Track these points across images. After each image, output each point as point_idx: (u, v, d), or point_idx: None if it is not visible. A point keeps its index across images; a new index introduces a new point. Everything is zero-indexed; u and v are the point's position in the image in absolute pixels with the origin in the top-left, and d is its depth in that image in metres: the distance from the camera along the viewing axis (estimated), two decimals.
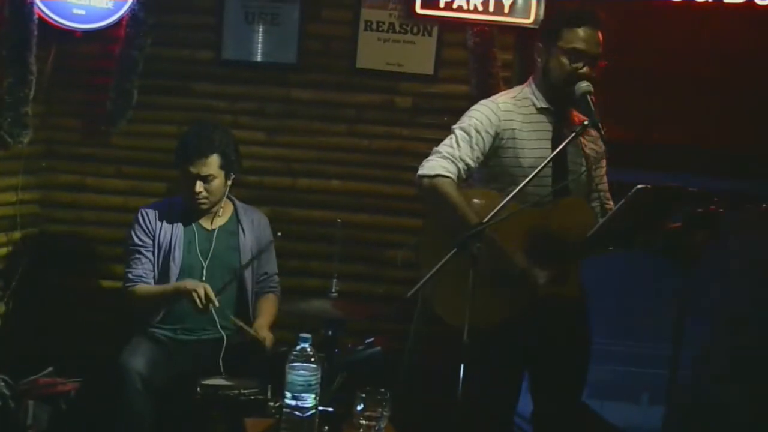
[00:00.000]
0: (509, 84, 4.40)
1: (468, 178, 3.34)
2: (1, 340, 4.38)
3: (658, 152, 4.38)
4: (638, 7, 4.44)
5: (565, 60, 3.27)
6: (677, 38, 4.50)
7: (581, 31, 3.27)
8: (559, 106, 3.35)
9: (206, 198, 3.90)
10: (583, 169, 3.31)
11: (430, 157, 3.32)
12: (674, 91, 4.50)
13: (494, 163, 3.33)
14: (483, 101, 3.41)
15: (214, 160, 3.88)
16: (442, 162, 3.27)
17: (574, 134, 3.11)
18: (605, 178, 3.49)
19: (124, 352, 3.73)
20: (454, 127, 3.37)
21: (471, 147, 3.29)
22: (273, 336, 3.89)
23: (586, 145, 3.32)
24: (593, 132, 3.31)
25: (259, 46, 4.60)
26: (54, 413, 4.02)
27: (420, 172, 3.30)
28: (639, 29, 4.47)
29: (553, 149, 3.18)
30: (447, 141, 3.34)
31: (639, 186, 2.96)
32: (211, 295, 3.70)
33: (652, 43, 4.51)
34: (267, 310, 4.05)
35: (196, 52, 4.62)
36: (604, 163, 3.49)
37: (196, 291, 3.69)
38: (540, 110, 3.35)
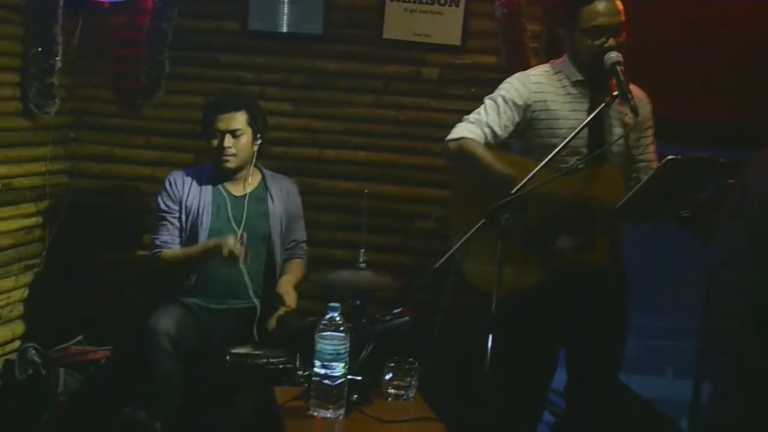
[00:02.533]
0: (538, 55, 4.38)
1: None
2: (31, 309, 4.42)
3: (703, 128, 4.30)
4: None
5: (588, 40, 3.27)
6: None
7: (599, 6, 3.26)
8: (593, 79, 3.33)
9: (234, 155, 3.92)
10: (616, 139, 3.28)
11: (458, 124, 3.38)
12: (716, 66, 4.40)
13: (530, 135, 3.35)
14: (516, 74, 3.44)
15: (242, 115, 3.94)
16: (468, 126, 3.35)
17: (603, 105, 3.10)
18: (651, 148, 3.45)
19: (153, 315, 3.77)
20: (485, 97, 3.41)
21: (498, 115, 3.33)
22: (295, 295, 3.92)
23: (626, 115, 3.28)
24: (639, 100, 3.30)
25: (285, 17, 4.57)
26: (84, 381, 4.06)
27: (447, 137, 3.37)
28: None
29: (590, 121, 3.18)
30: (478, 109, 3.39)
31: (669, 157, 2.95)
32: (234, 246, 3.72)
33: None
34: (293, 270, 4.07)
35: (222, 23, 4.60)
36: (649, 133, 3.46)
37: (222, 247, 3.72)
38: (575, 83, 3.35)
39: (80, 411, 3.98)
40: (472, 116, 3.37)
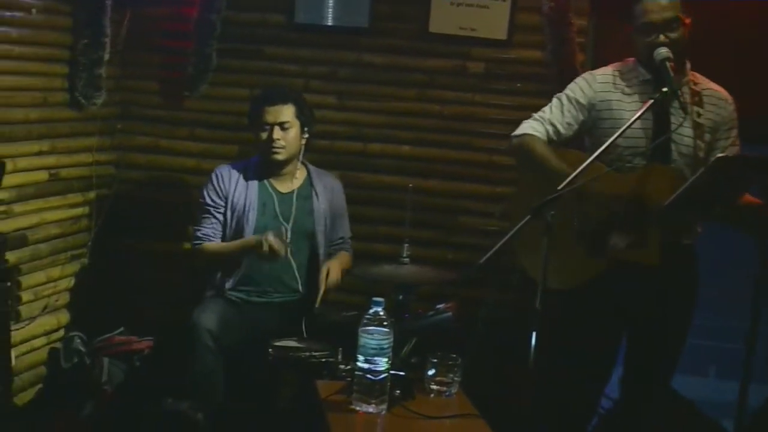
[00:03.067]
0: (584, 50, 4.35)
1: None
2: (77, 299, 4.47)
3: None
4: None
5: (639, 37, 3.29)
6: None
7: (647, 3, 3.26)
8: (660, 78, 3.29)
9: (283, 147, 3.93)
10: (683, 138, 3.24)
11: (523, 122, 3.44)
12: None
13: (597, 133, 3.35)
14: (584, 74, 3.49)
15: (290, 107, 3.94)
16: (531, 123, 3.41)
17: (651, 101, 3.08)
18: (732, 150, 3.34)
19: (195, 310, 3.78)
20: (554, 96, 3.46)
21: (562, 113, 3.38)
22: (340, 275, 3.93)
23: (701, 115, 3.25)
24: (718, 99, 3.31)
25: (331, 9, 4.57)
26: (128, 370, 4.10)
27: (512, 134, 3.43)
28: None
29: (656, 119, 3.20)
30: (543, 108, 3.45)
31: (719, 155, 2.92)
32: (274, 242, 3.73)
33: None
34: (340, 256, 4.08)
35: (268, 15, 4.61)
36: (731, 134, 3.37)
37: (262, 243, 3.73)
38: (642, 82, 3.34)
39: (123, 400, 4.02)
40: (537, 113, 3.43)
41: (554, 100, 3.43)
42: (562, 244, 2.82)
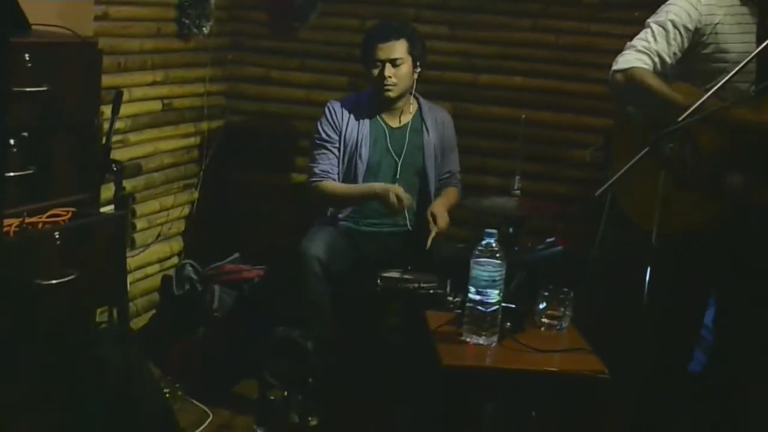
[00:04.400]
0: None
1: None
2: (189, 227, 4.58)
3: None
4: None
5: None
6: None
7: None
8: None
9: (395, 84, 3.92)
10: None
11: (623, 53, 3.17)
12: None
13: (694, 59, 3.14)
14: None
15: (402, 43, 3.92)
16: (637, 55, 3.13)
17: None
18: None
19: (304, 239, 3.83)
20: (649, 21, 3.19)
21: (668, 42, 3.11)
22: (447, 218, 3.93)
23: None
24: None
25: None
26: (238, 298, 4.18)
27: (614, 67, 3.16)
28: None
29: (758, 43, 2.99)
30: (642, 35, 3.17)
31: None
32: (404, 196, 3.76)
33: None
34: (446, 195, 4.08)
35: None
36: None
37: (390, 194, 3.76)
38: (744, 1, 3.14)
39: (234, 327, 4.10)
40: (638, 43, 3.16)
41: (656, 28, 3.14)
42: (670, 185, 2.73)
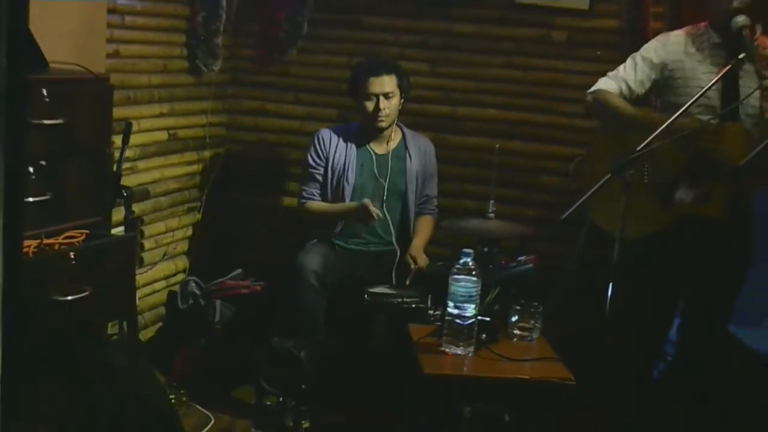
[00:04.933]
0: (660, 19, 4.24)
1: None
2: (192, 247, 4.57)
3: None
4: None
5: (715, 2, 3.16)
6: None
7: None
8: (731, 42, 3.20)
9: (387, 115, 3.94)
10: (750, 100, 3.15)
11: (599, 80, 3.39)
12: None
13: (667, 93, 3.29)
14: (658, 36, 3.43)
15: (392, 78, 3.94)
16: (606, 80, 3.36)
17: (728, 67, 3.01)
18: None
19: (301, 253, 3.85)
20: (629, 57, 3.40)
21: (635, 71, 3.31)
22: (425, 257, 3.95)
23: (767, 78, 3.16)
24: None
25: None
26: (237, 311, 4.17)
27: (587, 92, 3.40)
28: None
29: (725, 80, 3.08)
30: (617, 68, 3.38)
31: None
32: (373, 210, 3.77)
33: None
34: (423, 229, 4.10)
35: None
36: None
37: (366, 210, 3.78)
38: (713, 45, 3.23)
39: (233, 338, 4.10)
40: (610, 73, 3.38)
41: (628, 60, 3.37)
42: (633, 197, 2.78)
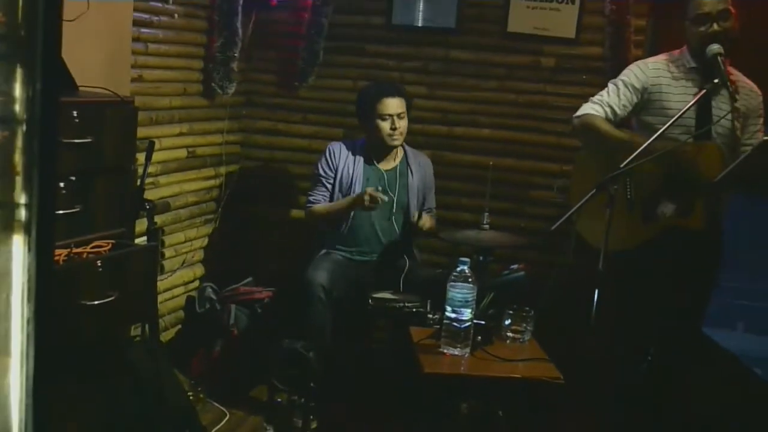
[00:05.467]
0: (641, 47, 4.24)
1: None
2: (209, 255, 4.56)
3: None
4: None
5: (694, 28, 3.16)
6: None
7: None
8: (706, 67, 3.21)
9: (401, 134, 3.95)
10: (722, 120, 3.15)
11: (583, 104, 3.36)
12: None
13: (645, 114, 3.28)
14: (637, 61, 3.40)
15: (403, 100, 3.96)
16: (590, 105, 3.33)
17: (703, 91, 3.01)
18: (758, 135, 3.27)
19: (309, 268, 3.82)
20: (609, 82, 3.38)
21: (618, 96, 3.29)
22: (434, 222, 3.99)
23: (737, 100, 3.17)
24: (750, 90, 3.23)
25: (423, 13, 4.53)
26: (251, 315, 4.16)
27: (574, 115, 3.36)
28: None
29: (699, 103, 3.08)
30: (601, 92, 3.36)
31: (764, 137, 2.83)
32: (376, 194, 3.75)
33: None
34: (428, 216, 4.08)
35: (369, 18, 4.60)
36: (758, 122, 3.30)
37: (364, 197, 3.75)
38: (689, 70, 3.24)
39: (247, 340, 4.08)
40: (595, 97, 3.36)
41: (610, 86, 3.35)
42: (617, 211, 2.77)
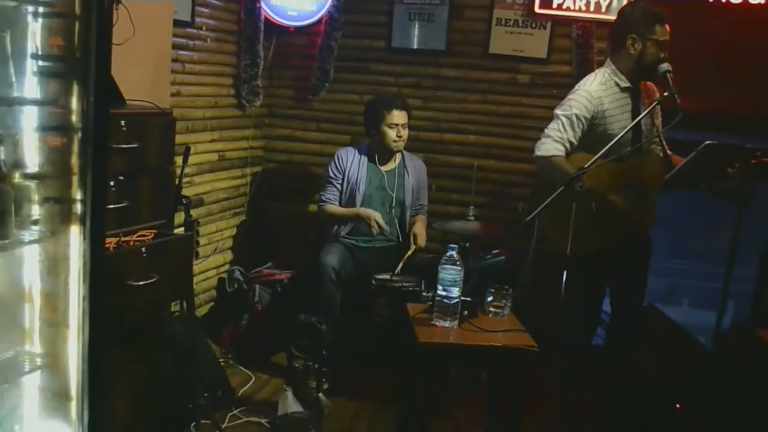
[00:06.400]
0: (601, 65, 4.22)
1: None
2: (237, 243, 4.57)
3: (713, 118, 4.02)
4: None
5: (654, 49, 3.09)
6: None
7: (666, 27, 3.10)
8: (637, 84, 3.16)
9: (404, 141, 3.96)
10: (653, 129, 3.13)
11: (543, 141, 3.13)
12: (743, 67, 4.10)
13: (589, 134, 3.13)
14: (579, 91, 3.15)
15: (407, 114, 3.97)
16: (555, 145, 3.10)
17: (655, 103, 2.98)
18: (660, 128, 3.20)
19: (321, 253, 3.83)
20: (558, 112, 3.14)
21: (574, 130, 3.10)
22: (425, 237, 3.93)
23: (656, 112, 3.15)
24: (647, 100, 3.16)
25: (417, 37, 4.53)
26: (273, 294, 4.17)
27: (537, 153, 3.13)
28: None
29: (633, 119, 3.05)
30: (555, 125, 3.13)
31: (707, 142, 2.81)
32: (381, 223, 3.77)
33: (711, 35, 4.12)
34: (420, 221, 4.07)
35: (373, 42, 4.60)
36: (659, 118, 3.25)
37: (370, 219, 3.78)
38: (623, 89, 3.16)
39: (270, 315, 4.09)
40: (554, 134, 3.12)
41: (564, 119, 3.11)
42: (579, 220, 2.73)
